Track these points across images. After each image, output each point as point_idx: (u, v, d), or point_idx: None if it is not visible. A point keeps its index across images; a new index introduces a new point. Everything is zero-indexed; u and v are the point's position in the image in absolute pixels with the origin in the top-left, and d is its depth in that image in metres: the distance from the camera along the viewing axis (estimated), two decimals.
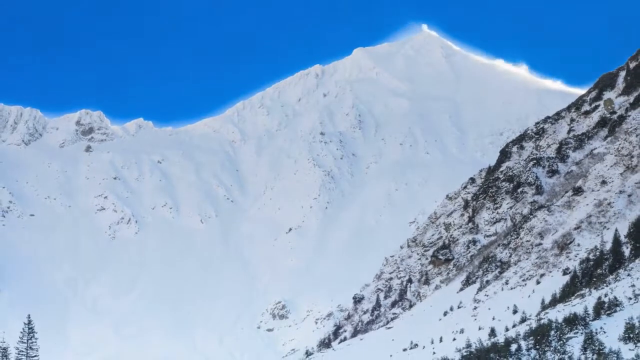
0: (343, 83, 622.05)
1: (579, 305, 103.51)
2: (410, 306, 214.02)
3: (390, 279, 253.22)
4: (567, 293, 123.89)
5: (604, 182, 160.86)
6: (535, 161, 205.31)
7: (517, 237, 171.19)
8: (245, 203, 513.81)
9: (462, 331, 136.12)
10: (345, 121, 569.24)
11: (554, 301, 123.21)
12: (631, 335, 79.92)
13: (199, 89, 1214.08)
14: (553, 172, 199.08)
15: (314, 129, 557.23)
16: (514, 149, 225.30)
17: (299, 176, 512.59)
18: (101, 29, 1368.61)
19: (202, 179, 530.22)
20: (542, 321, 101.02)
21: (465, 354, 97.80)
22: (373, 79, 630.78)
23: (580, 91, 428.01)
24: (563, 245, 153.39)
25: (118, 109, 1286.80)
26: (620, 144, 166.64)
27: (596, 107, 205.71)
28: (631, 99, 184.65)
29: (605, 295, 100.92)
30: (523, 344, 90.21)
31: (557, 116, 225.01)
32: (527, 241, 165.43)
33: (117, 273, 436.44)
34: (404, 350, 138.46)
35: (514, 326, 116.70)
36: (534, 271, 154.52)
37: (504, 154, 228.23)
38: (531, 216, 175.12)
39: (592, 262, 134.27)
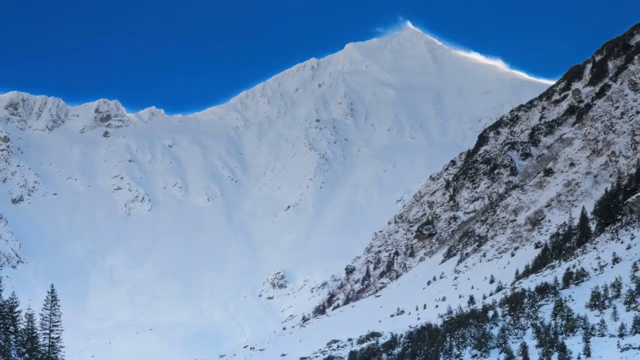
0: (336, 75, 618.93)
1: (549, 275, 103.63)
2: (397, 276, 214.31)
3: (379, 251, 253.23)
4: (538, 264, 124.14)
5: (572, 164, 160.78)
6: (510, 145, 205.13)
7: (494, 214, 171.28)
8: (247, 183, 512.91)
9: (444, 299, 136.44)
10: (338, 109, 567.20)
11: (527, 272, 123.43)
12: (597, 303, 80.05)
13: (206, 80, 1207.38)
14: (526, 155, 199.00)
15: (310, 116, 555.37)
16: (491, 134, 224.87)
17: (296, 159, 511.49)
18: (112, 28, 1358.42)
19: (208, 162, 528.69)
20: (516, 290, 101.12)
21: (446, 319, 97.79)
22: (363, 71, 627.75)
23: (550, 82, 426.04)
24: (535, 221, 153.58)
25: (133, 99, 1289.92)
26: (587, 130, 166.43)
27: (565, 96, 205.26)
28: (597, 89, 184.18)
29: (574, 267, 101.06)
30: (499, 310, 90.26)
31: (530, 104, 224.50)
32: (503, 217, 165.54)
33: (131, 246, 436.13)
34: (392, 316, 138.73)
35: (490, 294, 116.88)
36: (509, 245, 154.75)
37: (482, 139, 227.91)
38: (506, 195, 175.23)
39: (561, 237, 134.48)
